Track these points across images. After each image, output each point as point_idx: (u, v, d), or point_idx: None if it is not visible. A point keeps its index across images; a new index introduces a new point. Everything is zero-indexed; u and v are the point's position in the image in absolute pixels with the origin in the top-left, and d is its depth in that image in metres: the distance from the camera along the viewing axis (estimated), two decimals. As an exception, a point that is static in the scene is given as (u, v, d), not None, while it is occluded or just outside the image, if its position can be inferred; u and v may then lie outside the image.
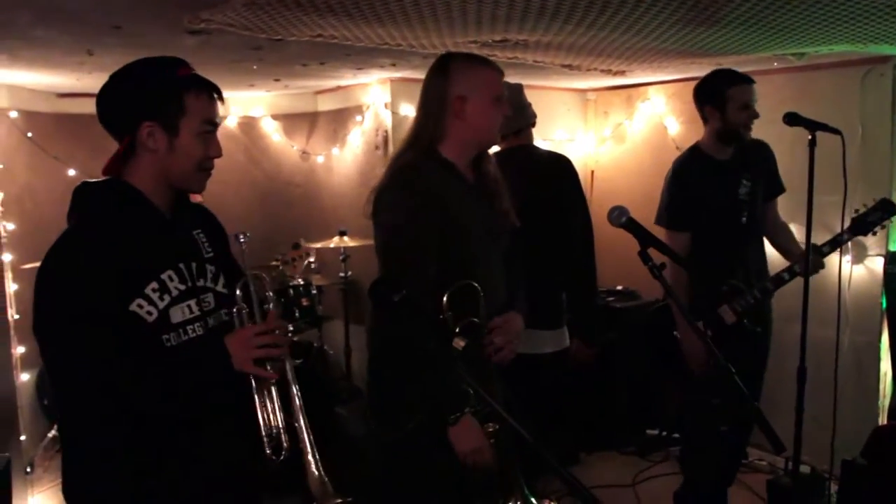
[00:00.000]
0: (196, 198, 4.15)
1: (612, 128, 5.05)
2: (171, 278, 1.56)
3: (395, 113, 4.40)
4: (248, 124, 5.41)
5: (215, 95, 1.61)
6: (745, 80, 3.02)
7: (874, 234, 2.91)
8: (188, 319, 1.59)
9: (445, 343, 1.26)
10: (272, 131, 5.43)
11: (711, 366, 2.91)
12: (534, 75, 4.11)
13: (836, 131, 2.63)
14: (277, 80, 4.40)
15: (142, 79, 1.57)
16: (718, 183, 3.14)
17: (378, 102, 4.54)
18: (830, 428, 2.94)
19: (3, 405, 3.60)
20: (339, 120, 5.01)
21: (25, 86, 4.14)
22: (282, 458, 1.59)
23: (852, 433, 3.18)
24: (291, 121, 5.41)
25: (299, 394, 1.63)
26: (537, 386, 2.94)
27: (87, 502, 1.58)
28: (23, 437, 3.69)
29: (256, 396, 1.60)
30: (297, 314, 4.27)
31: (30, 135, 4.19)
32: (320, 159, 5.25)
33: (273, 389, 1.61)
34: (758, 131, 3.37)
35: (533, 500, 1.98)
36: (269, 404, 1.60)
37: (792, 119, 2.60)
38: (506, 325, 2.05)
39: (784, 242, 3.25)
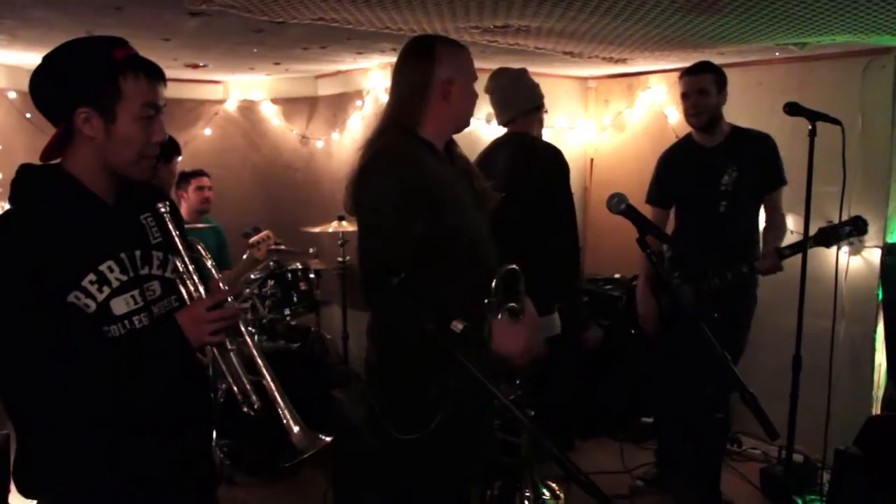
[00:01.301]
0: (205, 181, 4.03)
1: (613, 116, 5.04)
2: (110, 269, 1.49)
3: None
4: (248, 108, 5.40)
5: (156, 76, 1.50)
6: (686, 71, 3.23)
7: (839, 247, 2.93)
8: (132, 311, 1.52)
9: (444, 325, 1.26)
10: (272, 115, 5.41)
11: (661, 330, 3.40)
12: (535, 62, 4.10)
13: (835, 121, 2.64)
14: (278, 63, 4.38)
15: (75, 61, 1.46)
16: (698, 169, 3.25)
17: (378, 87, 4.53)
18: (824, 417, 2.97)
19: None
20: (339, 104, 5.00)
21: (24, 66, 4.13)
22: (256, 411, 1.58)
23: (846, 423, 3.20)
24: (291, 105, 5.39)
25: (259, 352, 1.60)
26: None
27: (36, 491, 1.54)
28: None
29: (222, 363, 1.57)
30: (294, 298, 4.28)
31: (28, 116, 4.18)
32: (320, 144, 5.23)
33: (232, 354, 1.58)
34: (758, 121, 3.37)
35: (543, 488, 2.00)
36: (232, 365, 1.58)
37: (792, 109, 2.61)
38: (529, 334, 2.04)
39: (766, 236, 3.27)
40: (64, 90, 1.46)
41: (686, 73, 3.22)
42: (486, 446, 2.05)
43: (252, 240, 3.60)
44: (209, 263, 1.66)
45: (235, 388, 1.59)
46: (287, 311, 4.38)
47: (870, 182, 3.60)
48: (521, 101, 3.23)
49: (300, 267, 4.35)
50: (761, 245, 3.25)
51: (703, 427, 3.41)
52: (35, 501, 1.56)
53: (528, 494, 1.96)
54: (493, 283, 1.86)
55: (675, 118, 4.62)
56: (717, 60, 4.06)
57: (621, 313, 4.21)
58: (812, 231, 2.79)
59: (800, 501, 3.40)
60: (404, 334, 1.92)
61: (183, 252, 1.60)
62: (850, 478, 2.91)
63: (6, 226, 1.45)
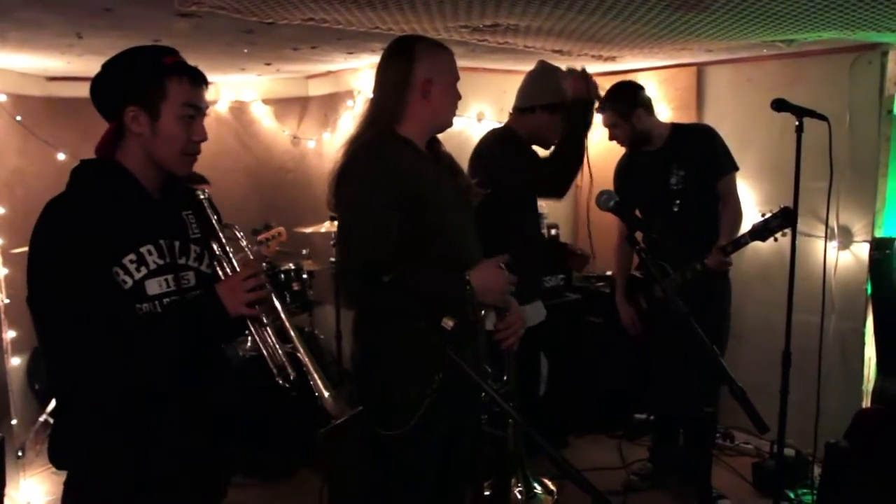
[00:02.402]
0: (206, 188, 4.11)
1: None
2: (149, 252, 1.62)
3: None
4: (239, 108, 5.39)
5: (199, 81, 1.66)
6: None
7: (775, 240, 2.99)
8: (165, 293, 1.64)
9: (435, 322, 1.27)
10: (263, 116, 5.41)
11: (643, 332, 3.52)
12: (524, 60, 4.11)
13: (822, 117, 2.67)
14: (268, 64, 4.38)
15: (128, 65, 1.64)
16: (646, 174, 3.38)
17: (369, 88, 4.49)
18: (814, 411, 2.99)
19: (-4, 388, 3.60)
20: (331, 105, 5.00)
21: (15, 69, 4.11)
22: (291, 383, 1.68)
23: (836, 417, 3.22)
24: (282, 105, 5.39)
25: (291, 323, 1.72)
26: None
27: (71, 464, 1.65)
28: (14, 422, 3.70)
29: (256, 336, 1.68)
30: (287, 298, 4.28)
31: (19, 118, 4.17)
32: (311, 144, 5.24)
33: (268, 327, 1.68)
34: (747, 118, 3.40)
35: (535, 483, 2.03)
36: (268, 340, 1.68)
37: (780, 105, 2.63)
38: (513, 323, 2.13)
39: (722, 228, 3.31)
40: (117, 90, 1.63)
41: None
42: (473, 441, 2.08)
43: (260, 237, 3.59)
44: (243, 243, 1.80)
45: (271, 363, 1.68)
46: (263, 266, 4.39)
47: (857, 177, 3.62)
48: (539, 94, 3.13)
49: (293, 267, 4.35)
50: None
51: (693, 422, 3.44)
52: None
53: (520, 489, 1.98)
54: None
55: (665, 115, 4.62)
56: (705, 58, 4.10)
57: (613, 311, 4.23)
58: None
59: (791, 495, 3.42)
60: (389, 331, 1.93)
61: (221, 234, 1.74)
62: (841, 471, 2.94)
63: (58, 204, 1.59)
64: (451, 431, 2.11)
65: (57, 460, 1.65)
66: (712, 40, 3.37)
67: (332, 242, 4.44)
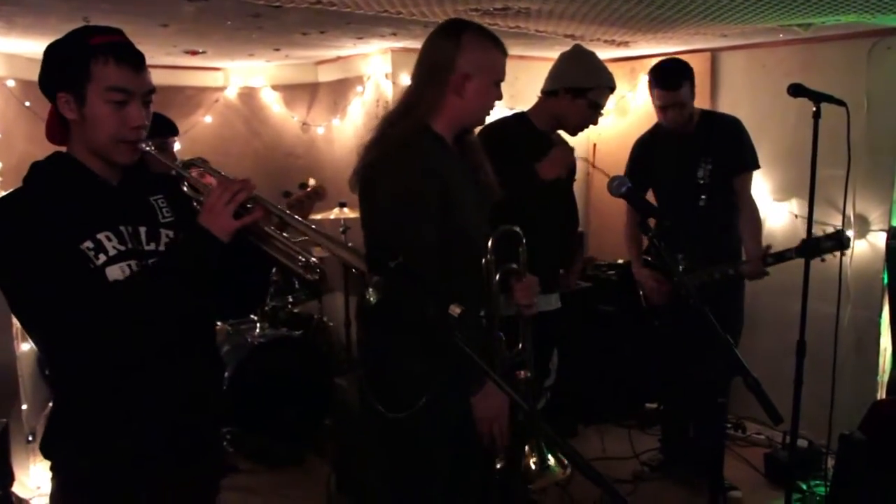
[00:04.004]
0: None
1: (615, 100, 5.00)
2: (108, 238, 1.54)
3: (395, 83, 4.36)
4: (248, 94, 5.36)
5: (128, 62, 1.53)
6: (659, 84, 3.18)
7: (822, 260, 2.91)
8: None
9: (442, 310, 1.25)
10: (272, 102, 5.39)
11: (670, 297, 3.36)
12: (536, 46, 4.06)
13: (840, 103, 2.61)
14: (277, 49, 4.35)
15: (56, 48, 1.55)
16: (672, 160, 3.27)
17: (379, 73, 4.50)
18: (829, 402, 2.95)
19: (3, 373, 3.61)
20: (340, 91, 4.97)
21: (23, 54, 4.10)
22: (318, 273, 1.60)
23: (851, 408, 3.19)
24: (292, 91, 5.36)
25: (287, 213, 1.62)
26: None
27: (63, 455, 1.60)
28: (24, 406, 3.71)
29: (270, 249, 1.60)
30: (296, 285, 4.27)
31: (28, 104, 4.16)
32: (321, 130, 5.21)
33: (270, 228, 1.60)
34: (761, 104, 3.34)
35: (549, 454, 2.02)
36: (277, 242, 1.60)
37: (796, 90, 2.58)
38: (528, 284, 2.14)
39: (743, 232, 3.27)
40: (46, 75, 1.56)
41: (660, 86, 3.15)
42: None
43: (289, 200, 3.42)
44: (222, 172, 1.69)
45: (292, 266, 1.59)
46: (289, 299, 4.37)
47: (875, 165, 3.56)
48: (563, 77, 2.92)
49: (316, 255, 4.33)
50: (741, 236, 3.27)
51: (705, 412, 3.40)
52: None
53: (534, 459, 1.98)
54: (490, 243, 1.93)
55: (678, 102, 4.58)
56: (719, 43, 4.04)
57: (627, 297, 4.18)
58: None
59: (804, 486, 3.39)
60: (398, 315, 1.92)
61: (183, 173, 1.66)
62: (854, 463, 2.90)
63: (9, 198, 1.55)
64: (463, 416, 2.09)
65: (45, 451, 1.61)
66: (727, 24, 3.31)
67: (341, 229, 4.42)
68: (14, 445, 3.34)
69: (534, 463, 2.10)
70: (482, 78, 2.02)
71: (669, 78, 3.15)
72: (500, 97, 2.11)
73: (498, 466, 2.13)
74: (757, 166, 3.29)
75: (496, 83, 2.07)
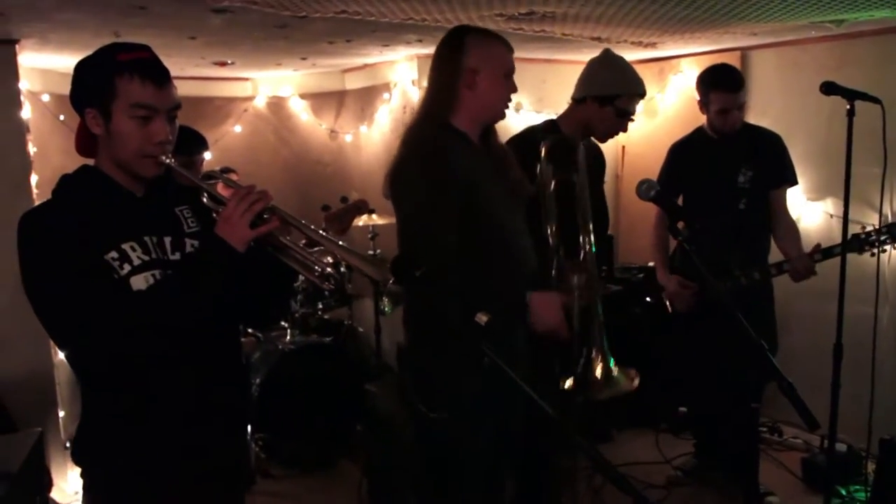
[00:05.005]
0: (233, 177, 4.08)
1: (644, 102, 4.93)
2: (133, 248, 1.56)
3: (422, 90, 4.36)
4: (277, 104, 5.42)
5: (152, 79, 1.55)
6: (725, 87, 3.10)
7: (872, 255, 2.86)
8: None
9: (469, 318, 1.25)
10: (300, 110, 5.43)
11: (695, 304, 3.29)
12: (563, 49, 4.04)
13: (875, 100, 2.55)
14: (304, 58, 4.39)
15: (86, 65, 1.59)
16: (713, 164, 3.24)
17: (405, 80, 4.51)
18: (867, 405, 2.89)
19: (41, 381, 3.68)
20: (367, 98, 5.00)
21: (57, 69, 4.19)
22: (334, 282, 1.61)
23: (891, 411, 3.11)
24: (319, 100, 5.40)
25: (303, 223, 1.61)
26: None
27: (90, 462, 1.63)
28: (62, 413, 3.78)
29: (287, 260, 1.60)
30: (326, 293, 4.29)
31: (62, 118, 4.24)
32: (348, 138, 5.24)
33: (287, 237, 1.60)
34: (794, 103, 3.29)
35: (612, 361, 2.03)
36: (295, 251, 1.60)
37: (829, 88, 2.53)
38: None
39: (781, 241, 3.25)
40: (75, 91, 1.60)
41: (725, 89, 3.11)
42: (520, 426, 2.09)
43: (328, 214, 3.28)
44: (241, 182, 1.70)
45: (309, 275, 1.59)
46: (319, 305, 4.39)
47: (912, 163, 3.47)
48: (590, 84, 2.84)
49: (330, 261, 4.35)
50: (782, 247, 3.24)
51: (739, 417, 3.34)
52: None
53: (599, 363, 2.00)
54: (543, 152, 1.99)
55: (707, 102, 4.52)
56: (749, 42, 3.98)
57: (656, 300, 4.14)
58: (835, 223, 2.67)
59: (843, 492, 3.32)
60: (431, 321, 1.94)
61: (202, 185, 1.67)
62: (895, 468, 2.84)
63: (37, 211, 1.59)
64: (502, 420, 2.10)
65: (75, 457, 1.64)
66: (757, 23, 3.26)
67: (369, 236, 4.44)
68: (52, 452, 3.40)
69: (599, 374, 2.10)
70: (490, 70, 2.11)
71: (733, 79, 3.13)
72: (514, 89, 2.18)
73: (566, 386, 2.15)
74: (795, 182, 3.30)
75: (506, 74, 2.15)
